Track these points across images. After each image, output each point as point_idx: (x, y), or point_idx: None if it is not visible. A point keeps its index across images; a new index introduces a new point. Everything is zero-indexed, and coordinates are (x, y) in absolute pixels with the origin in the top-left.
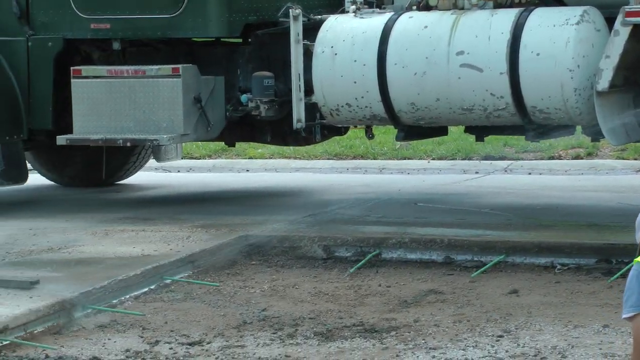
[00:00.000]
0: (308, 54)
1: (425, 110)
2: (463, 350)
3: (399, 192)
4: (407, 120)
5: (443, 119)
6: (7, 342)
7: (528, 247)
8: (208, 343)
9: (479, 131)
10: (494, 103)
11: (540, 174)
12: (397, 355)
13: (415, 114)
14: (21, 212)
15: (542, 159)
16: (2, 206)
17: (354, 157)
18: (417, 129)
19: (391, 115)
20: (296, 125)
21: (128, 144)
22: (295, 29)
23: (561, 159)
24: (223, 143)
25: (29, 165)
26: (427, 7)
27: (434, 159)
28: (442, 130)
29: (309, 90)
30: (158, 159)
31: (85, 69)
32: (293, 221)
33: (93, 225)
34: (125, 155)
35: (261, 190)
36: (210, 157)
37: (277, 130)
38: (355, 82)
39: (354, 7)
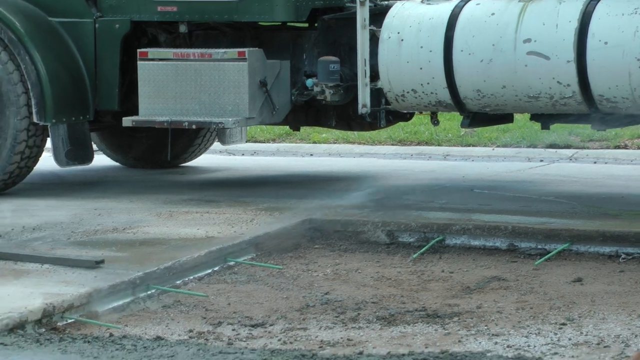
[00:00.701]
0: (374, 40)
1: (491, 97)
2: (526, 337)
3: (463, 178)
4: (472, 107)
5: (509, 106)
6: (72, 320)
7: (593, 235)
8: (271, 325)
9: (545, 119)
10: (560, 91)
11: (606, 163)
12: (459, 341)
13: (480, 101)
14: (86, 193)
15: (607, 148)
16: (68, 186)
17: (418, 143)
18: (483, 116)
19: (457, 102)
20: (361, 110)
21: (193, 127)
22: (362, 15)
23: (627, 149)
24: (287, 127)
25: (94, 146)
26: None
27: (498, 146)
28: (507, 118)
29: (374, 75)
30: (223, 142)
31: (152, 52)
32: (357, 206)
33: (157, 207)
34: (190, 138)
35: (325, 174)
36: (274, 140)
37: (342, 115)
38: (421, 69)
39: None
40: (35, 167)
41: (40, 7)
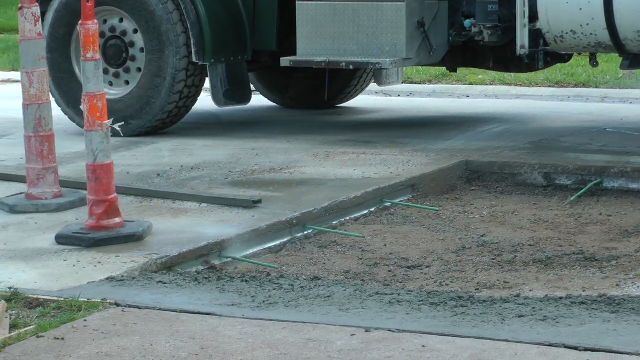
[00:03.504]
0: None
1: None
2: None
3: (622, 121)
4: (632, 49)
5: None
6: (229, 259)
7: None
8: (427, 267)
9: None
10: None
11: None
12: (617, 285)
13: None
14: (243, 132)
15: None
16: (225, 126)
17: (575, 85)
18: None
19: (616, 43)
20: (519, 51)
21: (350, 67)
22: None
23: None
24: (443, 68)
25: (251, 86)
26: None
27: None
28: None
29: (532, 16)
30: (379, 83)
31: None
32: (513, 147)
33: (314, 147)
34: (347, 79)
35: (481, 116)
36: (430, 82)
37: (500, 56)
38: (580, 9)
39: None
40: (193, 107)
41: None
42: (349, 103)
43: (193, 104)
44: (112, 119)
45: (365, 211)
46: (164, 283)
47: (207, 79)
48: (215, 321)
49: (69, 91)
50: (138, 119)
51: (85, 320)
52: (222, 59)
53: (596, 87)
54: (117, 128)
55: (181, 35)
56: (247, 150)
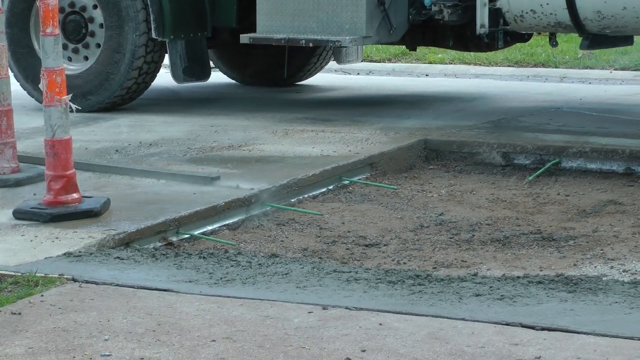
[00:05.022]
0: None
1: (611, 18)
2: None
3: (580, 101)
4: (592, 29)
5: (629, 28)
6: (187, 236)
7: None
8: (385, 245)
9: None
10: None
11: None
12: (574, 265)
13: (600, 23)
14: (202, 109)
15: None
16: (185, 102)
17: (535, 65)
18: (602, 38)
19: (576, 23)
20: (479, 30)
21: (310, 45)
22: None
23: None
24: (403, 47)
25: (211, 63)
26: None
27: (616, 69)
28: (627, 40)
29: None
30: (339, 61)
31: None
32: (472, 127)
33: (273, 124)
34: (306, 56)
35: (440, 95)
36: (389, 60)
37: (460, 35)
38: None
39: None
40: (152, 84)
41: None
42: (309, 81)
43: (152, 81)
44: (71, 95)
45: (324, 189)
46: (122, 259)
47: (166, 56)
48: (173, 298)
49: (28, 66)
50: (97, 95)
51: (42, 295)
52: (181, 36)
53: (556, 67)
54: (74, 107)
55: (141, 12)
56: (206, 127)
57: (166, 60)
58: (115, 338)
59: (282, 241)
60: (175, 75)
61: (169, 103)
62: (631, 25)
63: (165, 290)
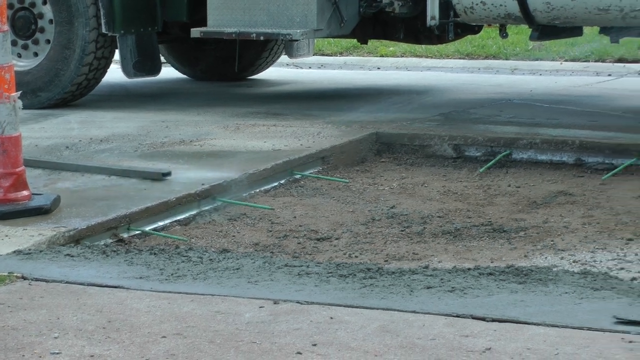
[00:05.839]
0: None
1: (561, 9)
2: (592, 252)
3: (531, 93)
4: (541, 20)
5: (578, 19)
6: (138, 232)
7: None
8: (336, 239)
9: (614, 32)
10: (631, 3)
11: None
12: (525, 256)
13: (550, 14)
14: (154, 105)
15: None
16: (136, 98)
17: (486, 57)
18: (552, 29)
19: (526, 15)
20: (430, 22)
21: (261, 38)
22: None
23: None
24: (355, 40)
25: (162, 59)
26: None
27: (566, 60)
28: (576, 31)
29: None
30: (290, 55)
31: None
32: (423, 119)
33: (224, 119)
34: (258, 51)
35: (392, 88)
36: (341, 54)
37: (410, 27)
38: None
39: None
40: (103, 79)
41: None
42: (260, 75)
43: (103, 76)
44: (20, 92)
45: (276, 183)
46: (72, 256)
47: (117, 51)
48: (123, 294)
49: None
50: (47, 91)
51: None
52: (132, 31)
53: (506, 59)
54: (20, 106)
55: (91, 7)
56: (157, 122)
57: (117, 55)
58: (65, 336)
59: (234, 236)
60: (125, 71)
61: (119, 99)
62: (580, 16)
63: (115, 287)
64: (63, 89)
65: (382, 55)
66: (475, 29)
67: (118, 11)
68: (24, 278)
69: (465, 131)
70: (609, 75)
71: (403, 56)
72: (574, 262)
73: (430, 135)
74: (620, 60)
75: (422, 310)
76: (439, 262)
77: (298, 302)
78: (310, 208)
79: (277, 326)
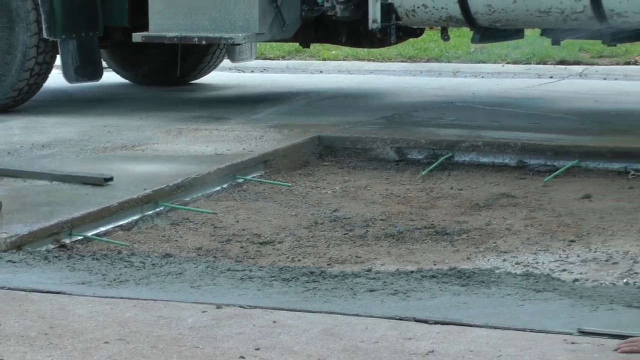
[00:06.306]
0: None
1: (502, 12)
2: (534, 254)
3: (473, 95)
4: (483, 23)
5: (519, 21)
6: (80, 237)
7: (602, 152)
8: (279, 242)
9: (555, 35)
10: (571, 6)
11: (616, 79)
12: (467, 258)
13: (491, 16)
14: (95, 110)
15: (617, 64)
16: (77, 103)
17: (428, 60)
18: (493, 32)
19: (467, 17)
20: (371, 25)
21: (203, 42)
22: None
23: (637, 65)
24: (297, 44)
25: (103, 63)
26: None
27: (508, 62)
28: (518, 34)
29: None
30: (232, 59)
31: None
32: (366, 123)
33: (166, 124)
34: (200, 55)
35: (334, 91)
36: (284, 58)
37: (352, 31)
38: None
39: None
40: (44, 84)
41: None
42: (203, 79)
43: (44, 82)
44: None
45: (218, 188)
46: (14, 262)
47: (58, 56)
48: (66, 300)
49: None
50: None
51: None
52: (73, 35)
53: (448, 61)
54: None
55: (32, 12)
56: (99, 127)
57: (58, 60)
58: (6, 342)
59: (176, 241)
60: (67, 76)
61: (61, 104)
62: (521, 18)
63: (57, 292)
64: (4, 94)
65: (324, 59)
66: (417, 32)
67: (59, 16)
68: None
69: (407, 134)
70: (551, 77)
71: (345, 59)
72: (516, 264)
73: (373, 138)
74: (562, 62)
75: (365, 313)
76: (381, 265)
77: (241, 307)
78: (253, 212)
79: (220, 330)
